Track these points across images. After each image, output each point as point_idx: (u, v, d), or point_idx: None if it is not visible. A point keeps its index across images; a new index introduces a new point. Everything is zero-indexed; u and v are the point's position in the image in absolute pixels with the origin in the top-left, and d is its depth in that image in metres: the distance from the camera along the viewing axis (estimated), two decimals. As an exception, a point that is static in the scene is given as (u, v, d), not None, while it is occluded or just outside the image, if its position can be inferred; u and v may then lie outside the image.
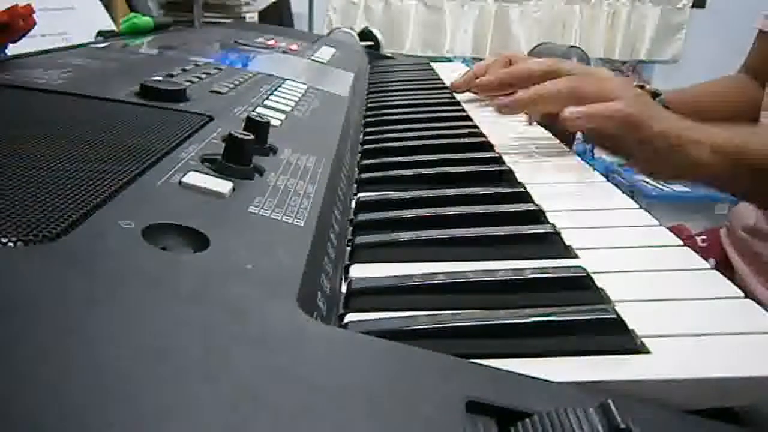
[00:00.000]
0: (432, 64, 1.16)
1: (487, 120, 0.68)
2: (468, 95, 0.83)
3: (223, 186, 0.31)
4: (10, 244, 0.21)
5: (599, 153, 2.66)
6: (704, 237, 0.87)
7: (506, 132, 0.66)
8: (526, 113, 0.68)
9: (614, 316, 0.27)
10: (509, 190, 0.45)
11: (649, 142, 0.52)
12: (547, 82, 0.57)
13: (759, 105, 0.83)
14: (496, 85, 0.67)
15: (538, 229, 0.38)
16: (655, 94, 0.82)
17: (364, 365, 0.21)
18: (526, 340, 0.27)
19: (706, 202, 2.22)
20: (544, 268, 0.33)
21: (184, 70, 0.57)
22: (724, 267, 0.81)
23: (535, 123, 0.69)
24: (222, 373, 0.18)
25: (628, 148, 0.54)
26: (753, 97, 0.85)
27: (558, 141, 0.64)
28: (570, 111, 0.52)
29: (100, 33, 0.80)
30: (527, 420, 0.19)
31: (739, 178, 0.55)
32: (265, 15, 1.75)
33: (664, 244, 0.38)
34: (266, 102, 0.53)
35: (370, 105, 0.78)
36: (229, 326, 0.20)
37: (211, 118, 0.42)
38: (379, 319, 0.28)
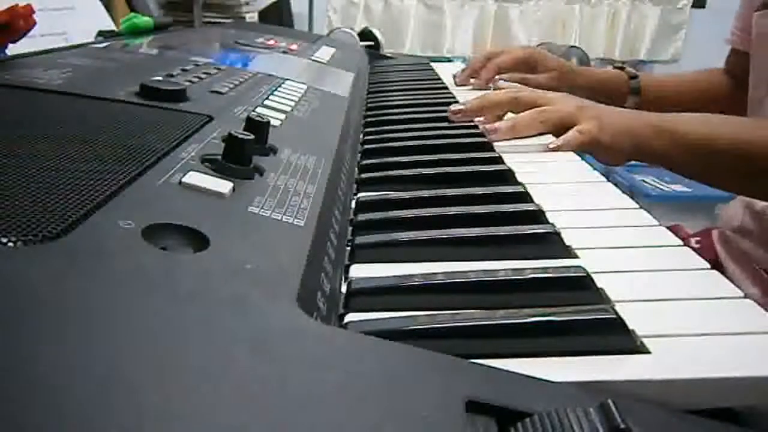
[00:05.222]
0: (432, 64, 1.16)
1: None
2: (469, 96, 0.84)
3: (223, 186, 0.31)
4: (10, 244, 0.21)
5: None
6: (698, 238, 0.88)
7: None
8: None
9: (614, 316, 0.27)
10: (509, 190, 0.45)
11: (605, 143, 0.61)
12: (524, 115, 0.64)
13: (732, 101, 0.90)
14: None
15: (538, 229, 0.38)
16: (633, 76, 0.93)
17: (364, 365, 0.21)
18: (526, 340, 0.27)
19: (705, 202, 2.22)
20: (544, 268, 0.33)
21: (184, 70, 0.57)
22: (716, 267, 0.81)
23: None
24: (222, 373, 0.18)
25: (595, 153, 0.62)
26: (727, 94, 0.94)
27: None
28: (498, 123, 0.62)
29: (100, 33, 0.80)
30: (527, 420, 0.19)
31: (673, 154, 0.63)
32: (265, 15, 1.74)
33: (663, 244, 0.38)
34: (266, 102, 0.53)
35: (370, 105, 0.78)
36: (228, 326, 0.20)
37: (211, 118, 0.42)
38: (379, 319, 0.28)
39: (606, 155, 0.63)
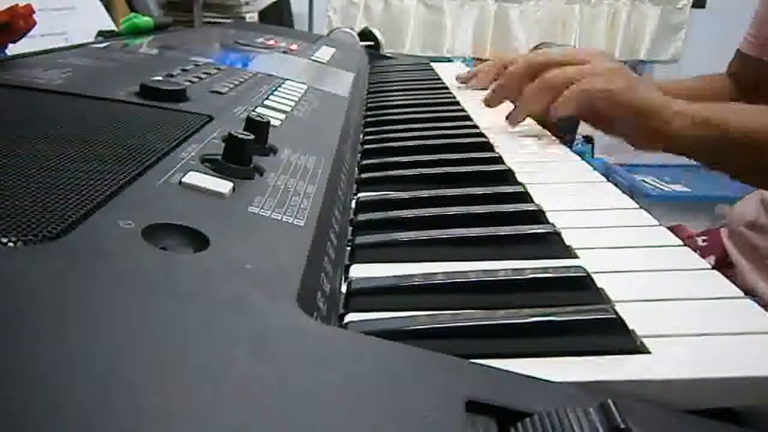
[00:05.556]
0: (432, 64, 1.16)
1: (488, 120, 0.68)
2: (469, 96, 0.84)
3: (223, 186, 0.31)
4: (10, 244, 0.21)
5: (599, 153, 2.66)
6: (704, 237, 0.88)
7: (507, 132, 0.66)
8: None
9: (614, 316, 0.27)
10: (509, 190, 0.45)
11: (629, 112, 0.56)
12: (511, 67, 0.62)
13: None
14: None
15: (538, 229, 0.38)
16: None
17: (364, 365, 0.21)
18: (526, 340, 0.27)
19: (705, 202, 2.22)
20: (544, 268, 0.33)
21: (184, 70, 0.57)
22: (724, 264, 0.83)
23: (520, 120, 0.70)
24: (222, 374, 0.18)
25: (611, 122, 0.58)
26: (731, 99, 0.90)
27: (558, 141, 0.65)
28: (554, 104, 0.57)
29: (100, 33, 0.80)
30: (527, 420, 0.19)
31: (718, 151, 0.59)
32: (265, 15, 1.74)
33: (663, 244, 0.38)
34: (266, 102, 0.53)
35: (370, 105, 0.78)
36: (228, 326, 0.20)
37: (211, 118, 0.42)
38: (379, 319, 0.28)
39: (626, 127, 0.60)
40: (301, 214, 0.32)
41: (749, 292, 0.76)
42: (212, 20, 1.50)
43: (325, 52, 0.98)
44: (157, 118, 0.41)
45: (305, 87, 0.64)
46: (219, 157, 0.34)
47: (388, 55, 1.37)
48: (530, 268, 0.33)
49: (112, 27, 0.87)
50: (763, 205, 0.82)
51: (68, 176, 0.28)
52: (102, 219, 0.25)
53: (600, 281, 0.31)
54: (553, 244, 0.36)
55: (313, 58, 0.90)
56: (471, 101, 0.79)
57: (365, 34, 1.41)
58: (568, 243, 0.37)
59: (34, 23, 0.55)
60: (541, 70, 0.62)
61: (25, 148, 0.30)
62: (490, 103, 0.68)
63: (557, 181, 0.50)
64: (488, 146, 0.58)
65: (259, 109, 0.49)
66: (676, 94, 0.94)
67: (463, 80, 0.95)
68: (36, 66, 0.49)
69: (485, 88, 0.91)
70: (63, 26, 0.77)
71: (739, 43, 0.91)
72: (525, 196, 0.44)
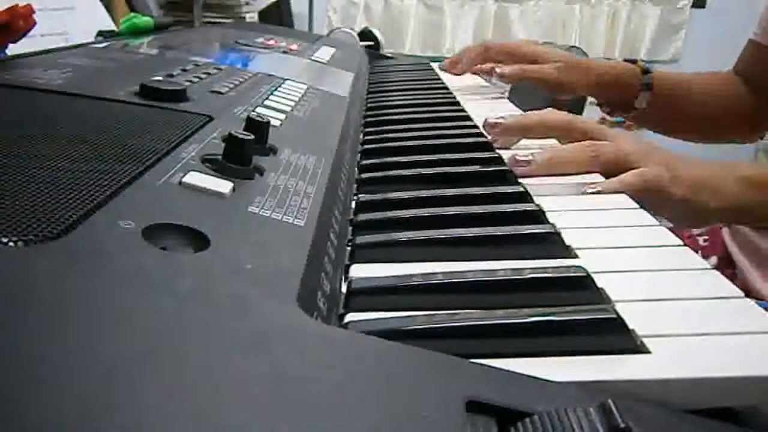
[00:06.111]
0: (432, 64, 1.16)
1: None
2: (470, 95, 0.84)
3: (223, 186, 0.31)
4: (11, 244, 0.21)
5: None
6: (706, 237, 0.88)
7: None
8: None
9: (614, 316, 0.27)
10: (509, 190, 0.45)
11: (677, 197, 0.51)
12: (568, 146, 0.54)
13: (744, 106, 0.89)
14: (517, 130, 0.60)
15: (538, 229, 0.38)
16: (645, 71, 0.88)
17: (364, 365, 0.21)
18: (526, 340, 0.27)
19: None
20: (544, 268, 0.33)
21: (184, 70, 0.57)
22: (726, 264, 0.83)
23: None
24: (222, 373, 0.18)
25: (659, 208, 0.52)
26: (739, 97, 0.90)
27: (557, 141, 0.64)
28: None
29: (100, 33, 0.81)
30: (527, 420, 0.19)
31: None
32: (265, 15, 1.75)
33: (664, 244, 0.38)
34: (266, 102, 0.53)
35: (370, 105, 0.78)
36: (229, 326, 0.20)
37: (211, 118, 0.42)
38: (379, 319, 0.28)
39: (679, 213, 0.53)
40: (301, 214, 0.32)
41: (751, 292, 0.76)
42: (212, 20, 1.50)
43: (325, 52, 0.98)
44: (157, 118, 0.41)
45: (305, 87, 0.64)
46: (219, 157, 0.34)
47: (388, 55, 1.38)
48: (530, 268, 0.33)
49: (112, 27, 0.87)
50: None
51: (68, 176, 0.28)
52: (102, 219, 0.25)
53: (600, 281, 0.31)
54: (552, 244, 0.36)
55: (313, 58, 0.90)
56: (471, 101, 0.79)
57: (365, 34, 1.41)
58: (568, 243, 0.37)
59: (34, 23, 0.55)
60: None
61: (25, 148, 0.30)
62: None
63: (557, 181, 0.50)
64: (488, 146, 0.58)
65: (259, 109, 0.49)
66: (690, 83, 0.93)
67: (444, 67, 0.95)
68: (36, 66, 0.49)
69: (471, 72, 0.93)
70: (63, 26, 0.77)
71: (753, 33, 0.89)
72: (525, 196, 0.44)
